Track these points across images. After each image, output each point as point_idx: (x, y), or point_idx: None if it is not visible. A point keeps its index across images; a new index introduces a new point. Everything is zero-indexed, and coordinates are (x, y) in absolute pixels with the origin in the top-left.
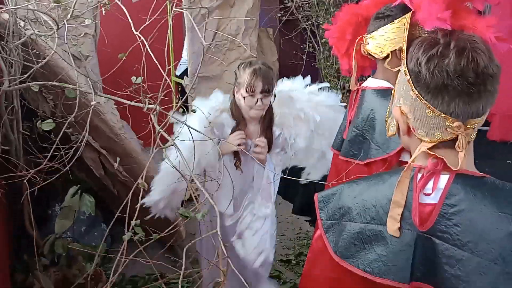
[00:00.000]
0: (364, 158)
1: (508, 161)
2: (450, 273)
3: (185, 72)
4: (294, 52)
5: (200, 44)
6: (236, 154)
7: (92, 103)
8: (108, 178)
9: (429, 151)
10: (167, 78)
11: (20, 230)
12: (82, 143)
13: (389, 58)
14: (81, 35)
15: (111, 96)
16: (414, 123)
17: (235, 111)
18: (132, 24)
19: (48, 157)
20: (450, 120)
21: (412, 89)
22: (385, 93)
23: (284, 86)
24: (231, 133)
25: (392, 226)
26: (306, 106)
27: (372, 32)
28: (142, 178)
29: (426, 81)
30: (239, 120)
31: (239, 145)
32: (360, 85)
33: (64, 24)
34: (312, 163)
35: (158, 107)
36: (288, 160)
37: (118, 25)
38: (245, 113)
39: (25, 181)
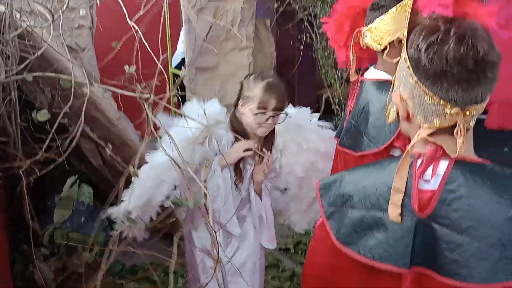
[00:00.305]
0: (357, 150)
1: (505, 149)
2: (450, 258)
3: (180, 64)
4: (291, 42)
5: (197, 35)
6: (237, 170)
7: (85, 90)
8: (107, 169)
9: (428, 138)
10: (162, 68)
11: (20, 221)
12: (78, 132)
13: (387, 50)
14: (77, 27)
15: (106, 86)
16: (413, 109)
17: (237, 126)
18: (126, 14)
19: (45, 147)
20: (449, 106)
21: (411, 76)
22: (382, 86)
23: (290, 112)
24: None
25: (394, 213)
26: (312, 136)
27: (368, 24)
28: (134, 166)
29: (425, 67)
30: (242, 135)
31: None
32: (361, 75)
33: (60, 15)
34: (299, 210)
35: (153, 96)
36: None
37: (115, 16)
38: (250, 129)
39: (21, 171)
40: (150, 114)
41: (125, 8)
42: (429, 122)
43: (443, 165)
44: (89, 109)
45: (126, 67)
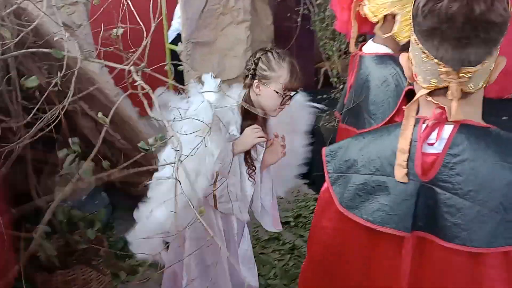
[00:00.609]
0: (358, 127)
1: (504, 117)
2: (451, 221)
3: (175, 40)
4: (288, 15)
5: (194, 9)
6: (248, 159)
7: (78, 60)
8: (106, 147)
9: (432, 100)
10: (144, 35)
11: (22, 199)
12: (68, 100)
13: (380, 24)
14: (72, 3)
15: (100, 60)
16: (415, 68)
17: (251, 108)
18: None
19: (32, 113)
20: (442, 66)
21: (412, 34)
22: (381, 60)
23: None
24: (241, 131)
25: (400, 173)
26: (297, 114)
27: None
28: (108, 117)
29: (420, 25)
30: (250, 117)
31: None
32: (360, 49)
33: None
34: (280, 176)
35: (144, 65)
36: None
37: None
38: (263, 111)
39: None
40: (137, 78)
41: None
42: (427, 82)
43: (448, 129)
44: (87, 86)
45: (114, 31)
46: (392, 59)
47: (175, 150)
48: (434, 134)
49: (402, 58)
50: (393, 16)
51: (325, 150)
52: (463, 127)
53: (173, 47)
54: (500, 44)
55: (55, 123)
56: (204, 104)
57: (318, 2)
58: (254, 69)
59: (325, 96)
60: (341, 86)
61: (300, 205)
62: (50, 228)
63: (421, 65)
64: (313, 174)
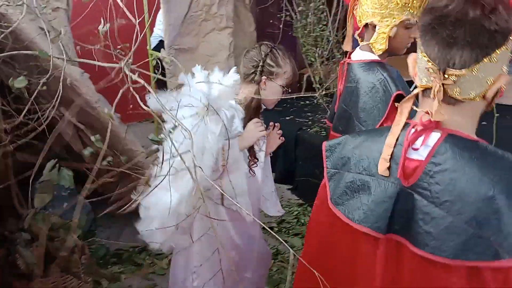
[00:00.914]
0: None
1: (483, 123)
2: (423, 229)
3: (157, 47)
4: (271, 21)
5: (177, 15)
6: (251, 151)
7: (61, 64)
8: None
9: (422, 106)
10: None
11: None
12: (57, 101)
13: (359, 30)
14: (52, 9)
15: (83, 59)
16: (417, 67)
17: (255, 103)
18: None
19: (23, 114)
20: (430, 63)
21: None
22: (369, 67)
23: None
24: (244, 126)
25: (382, 167)
26: None
27: None
28: (112, 109)
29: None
30: (253, 111)
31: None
32: (348, 57)
33: None
34: None
35: (131, 59)
36: None
37: None
38: (267, 105)
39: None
40: (128, 72)
41: None
42: (419, 81)
43: (435, 136)
44: (67, 92)
45: (100, 27)
46: (379, 65)
47: (175, 142)
48: (420, 140)
49: (410, 57)
50: (374, 26)
51: (325, 145)
52: (450, 137)
53: (155, 53)
54: (496, 55)
55: (39, 129)
56: (197, 89)
57: (300, 8)
58: (262, 66)
59: (307, 102)
60: (323, 92)
61: (284, 210)
62: (29, 235)
63: (418, 62)
64: (296, 179)
